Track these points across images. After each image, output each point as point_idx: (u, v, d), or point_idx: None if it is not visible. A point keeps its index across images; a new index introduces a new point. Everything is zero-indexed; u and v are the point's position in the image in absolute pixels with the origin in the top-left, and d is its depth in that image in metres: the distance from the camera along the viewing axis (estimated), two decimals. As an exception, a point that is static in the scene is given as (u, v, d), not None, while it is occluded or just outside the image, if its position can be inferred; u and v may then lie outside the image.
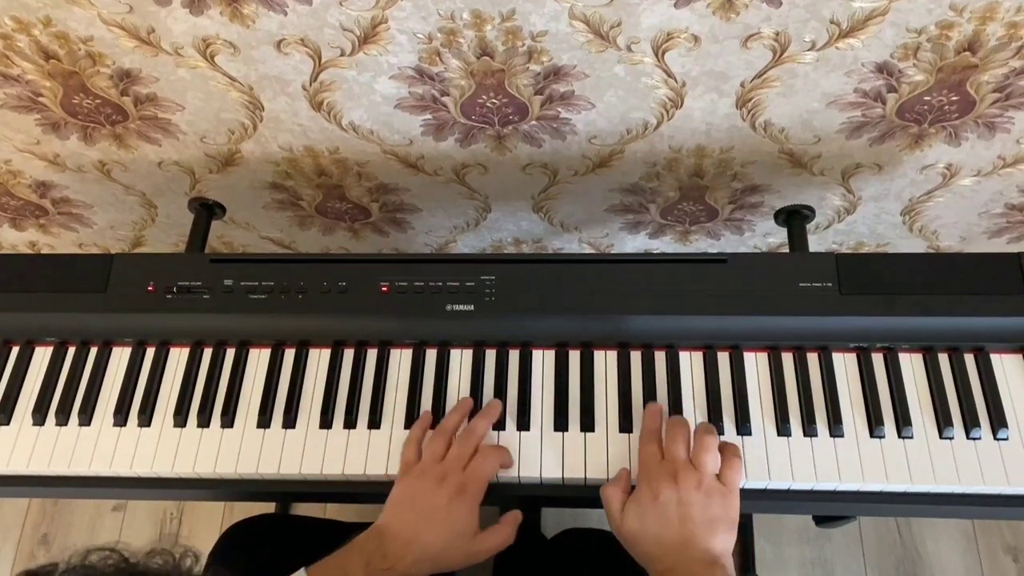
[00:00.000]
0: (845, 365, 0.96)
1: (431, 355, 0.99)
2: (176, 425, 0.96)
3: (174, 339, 1.02)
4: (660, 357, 0.97)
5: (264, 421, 0.96)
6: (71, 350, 1.02)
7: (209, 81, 1.00)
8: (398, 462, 0.92)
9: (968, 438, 0.91)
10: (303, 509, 1.62)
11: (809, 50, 0.90)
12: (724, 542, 0.81)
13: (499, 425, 0.94)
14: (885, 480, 0.88)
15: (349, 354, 1.00)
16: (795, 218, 1.18)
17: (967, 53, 0.89)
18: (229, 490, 0.98)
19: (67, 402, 0.98)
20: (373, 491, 0.94)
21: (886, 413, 0.92)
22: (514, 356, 0.98)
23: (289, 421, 0.95)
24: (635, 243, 1.46)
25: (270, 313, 0.99)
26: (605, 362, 0.98)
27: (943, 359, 0.96)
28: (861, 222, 1.33)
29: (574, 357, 0.98)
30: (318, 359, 1.00)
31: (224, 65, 0.97)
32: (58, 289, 1.01)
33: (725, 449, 0.86)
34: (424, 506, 0.85)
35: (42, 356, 1.02)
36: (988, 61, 0.90)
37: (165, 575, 0.60)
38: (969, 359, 0.95)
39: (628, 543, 0.83)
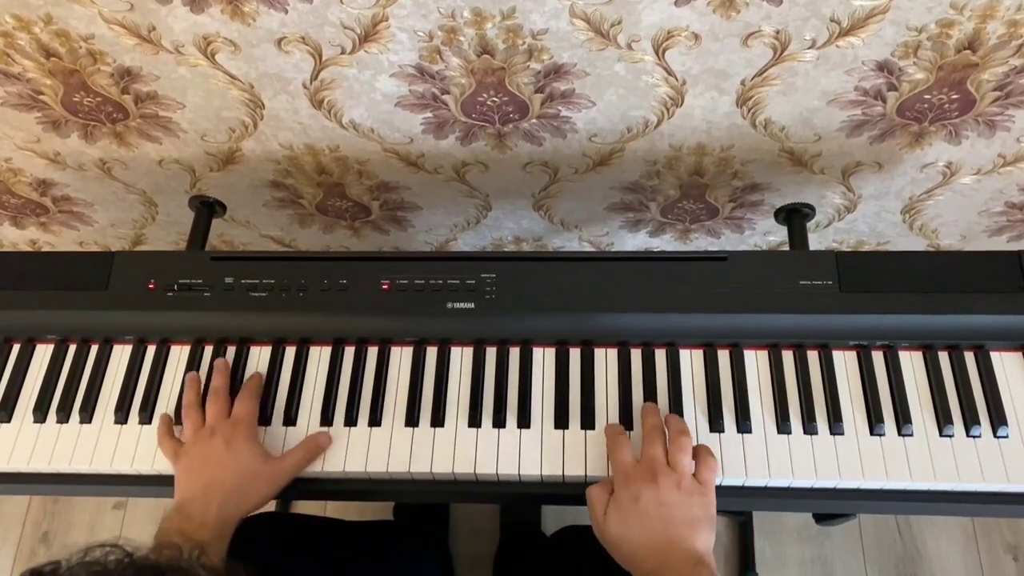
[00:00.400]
0: (845, 363, 0.96)
1: (432, 353, 0.99)
2: (178, 423, 0.96)
3: (175, 337, 1.02)
4: (660, 355, 0.97)
5: (265, 419, 0.96)
6: (72, 348, 1.02)
7: (210, 79, 1.00)
8: (401, 460, 0.92)
9: (968, 436, 0.91)
10: (304, 507, 1.62)
11: (809, 48, 0.90)
12: (706, 541, 0.82)
13: (500, 423, 0.94)
14: (885, 478, 0.89)
15: (350, 352, 1.00)
16: (795, 216, 1.18)
17: (967, 51, 0.89)
18: (230, 488, 0.98)
19: (68, 400, 0.98)
20: (374, 489, 0.95)
21: (886, 411, 0.92)
22: (515, 354, 0.98)
23: (289, 419, 0.96)
24: (635, 241, 1.46)
25: (271, 311, 0.99)
26: (606, 360, 0.98)
27: (943, 357, 0.96)
28: (861, 220, 1.33)
29: (575, 355, 0.98)
30: (319, 357, 1.00)
31: (225, 63, 0.97)
32: (59, 287, 1.02)
33: (698, 449, 0.87)
34: (206, 460, 0.89)
35: (43, 354, 1.02)
36: (988, 59, 0.90)
37: (176, 568, 0.60)
38: (969, 357, 0.96)
39: (611, 546, 0.84)
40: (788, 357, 0.96)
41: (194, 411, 0.94)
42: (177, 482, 0.90)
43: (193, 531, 0.83)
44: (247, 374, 0.99)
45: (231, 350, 1.01)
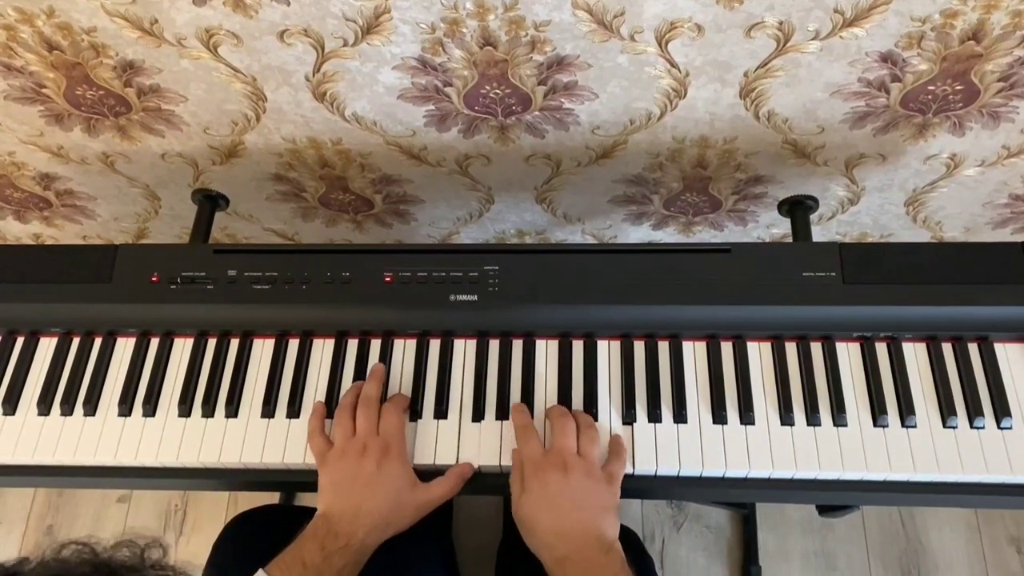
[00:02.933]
0: (849, 355, 0.96)
1: (435, 345, 0.99)
2: (181, 415, 0.97)
3: (178, 329, 1.02)
4: (664, 347, 0.97)
5: (268, 411, 0.96)
6: (75, 341, 1.02)
7: (212, 72, 1.00)
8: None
9: (972, 427, 0.91)
10: (308, 499, 1.63)
11: (813, 39, 0.90)
12: (614, 527, 0.84)
13: (503, 415, 0.94)
14: (889, 469, 0.89)
15: (353, 344, 1.00)
16: (799, 209, 1.18)
17: (972, 42, 0.89)
18: (233, 480, 0.98)
19: (72, 392, 0.98)
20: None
21: (890, 402, 0.92)
22: (518, 346, 0.99)
23: (294, 411, 0.96)
24: (638, 234, 1.46)
25: (274, 304, 0.99)
26: (608, 352, 0.98)
27: (947, 348, 0.96)
28: (865, 213, 1.33)
29: (578, 347, 0.98)
30: (322, 349, 1.00)
31: (227, 56, 0.97)
32: (62, 280, 1.02)
33: (612, 443, 0.90)
34: (357, 479, 0.87)
35: (47, 347, 1.02)
36: (993, 50, 0.90)
37: (130, 568, 0.60)
38: (973, 348, 0.95)
39: (524, 532, 0.85)
40: (792, 349, 0.96)
41: (348, 417, 0.92)
42: (322, 488, 0.89)
43: (336, 550, 0.83)
44: (250, 366, 0.99)
45: (234, 343, 1.01)
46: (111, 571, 0.58)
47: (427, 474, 0.92)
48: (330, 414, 0.95)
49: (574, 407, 0.94)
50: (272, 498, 1.63)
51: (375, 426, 0.90)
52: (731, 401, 0.94)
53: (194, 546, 1.72)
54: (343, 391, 0.96)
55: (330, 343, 1.00)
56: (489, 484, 0.92)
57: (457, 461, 0.91)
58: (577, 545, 0.81)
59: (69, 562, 0.58)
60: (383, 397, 0.95)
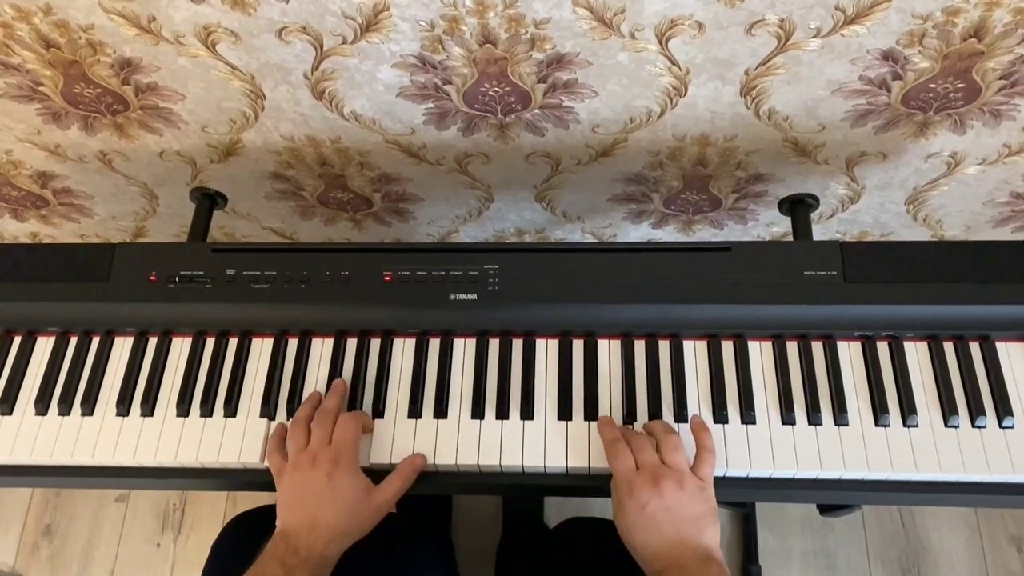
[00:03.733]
0: (850, 354, 0.95)
1: (434, 344, 0.99)
2: (179, 415, 0.96)
3: (176, 329, 1.01)
4: (664, 346, 0.97)
5: (267, 411, 0.96)
6: (73, 340, 1.02)
7: (210, 70, 1.00)
8: (404, 451, 0.92)
9: (973, 426, 0.91)
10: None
11: (814, 37, 0.89)
12: (713, 536, 0.83)
13: (503, 414, 0.93)
14: (890, 469, 0.88)
15: (352, 344, 1.00)
16: (799, 207, 1.18)
17: (973, 40, 0.88)
18: (232, 480, 0.98)
19: (69, 392, 0.98)
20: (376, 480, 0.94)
21: (891, 402, 0.92)
22: (517, 345, 0.98)
23: (292, 411, 0.95)
24: (638, 233, 1.46)
25: (273, 303, 0.99)
26: (609, 351, 0.97)
27: (948, 347, 0.95)
28: (865, 211, 1.33)
29: (578, 346, 0.98)
30: (321, 349, 1.00)
31: (225, 54, 0.97)
32: (60, 279, 1.01)
33: (698, 439, 0.89)
34: (309, 493, 0.86)
35: (44, 346, 1.02)
36: (994, 48, 0.89)
37: None
38: (974, 347, 0.95)
39: (625, 544, 0.85)
40: (792, 348, 0.96)
41: (300, 430, 0.91)
42: (279, 503, 0.88)
43: (297, 563, 0.83)
44: (249, 366, 0.99)
45: (233, 342, 1.00)
46: None
47: (425, 473, 0.92)
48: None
49: (574, 407, 0.94)
50: (271, 499, 1.62)
51: (328, 437, 0.90)
52: (732, 400, 0.93)
53: (192, 546, 1.72)
54: (342, 391, 0.96)
55: (329, 342, 1.00)
56: (489, 484, 0.92)
57: (456, 461, 0.91)
58: (674, 556, 0.81)
59: None
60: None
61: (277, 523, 0.88)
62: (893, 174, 1.20)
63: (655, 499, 0.82)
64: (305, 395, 0.96)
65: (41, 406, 0.97)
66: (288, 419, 0.95)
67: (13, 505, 1.79)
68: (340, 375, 0.97)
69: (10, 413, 0.98)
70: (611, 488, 0.88)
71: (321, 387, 0.97)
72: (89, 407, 0.97)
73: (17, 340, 1.02)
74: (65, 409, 0.97)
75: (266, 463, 0.92)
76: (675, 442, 0.86)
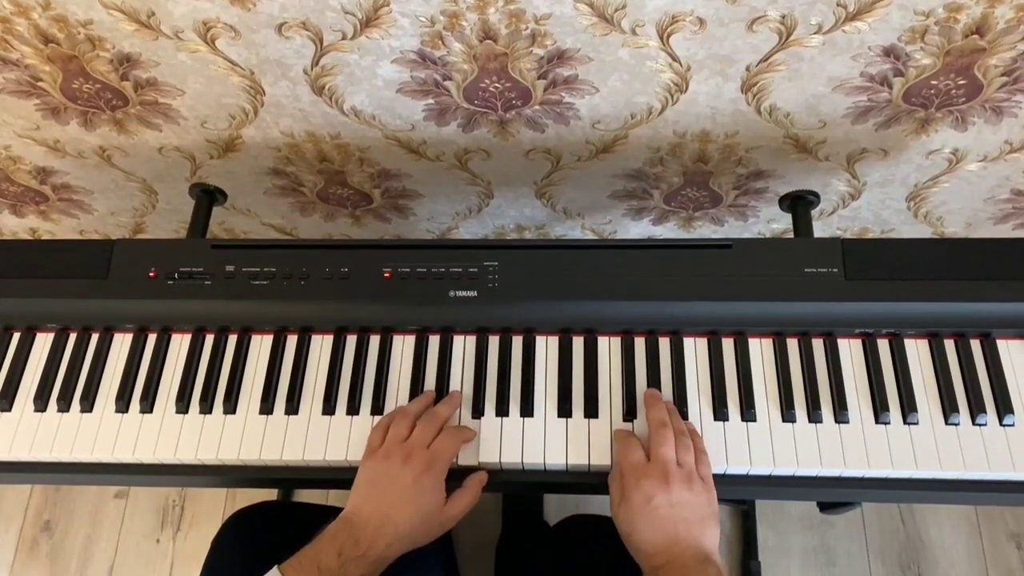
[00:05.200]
0: (850, 351, 0.95)
1: (434, 341, 0.99)
2: (178, 411, 0.96)
3: (176, 325, 1.01)
4: (664, 343, 0.97)
5: (267, 407, 0.95)
6: (72, 336, 1.02)
7: (210, 65, 1.00)
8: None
9: (974, 424, 0.90)
10: (306, 496, 1.62)
11: (815, 33, 0.89)
12: (712, 538, 0.83)
13: (503, 411, 0.93)
14: (890, 466, 0.88)
15: (352, 340, 0.99)
16: (800, 204, 1.17)
17: (975, 36, 0.88)
18: (231, 476, 0.98)
19: (69, 388, 0.98)
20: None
21: (891, 399, 0.92)
22: (517, 342, 0.98)
23: (292, 407, 0.95)
24: (638, 229, 1.45)
25: (272, 299, 0.98)
26: (609, 348, 0.97)
27: (949, 345, 0.95)
28: (866, 208, 1.33)
29: (578, 343, 0.98)
30: (320, 345, 0.99)
31: (225, 49, 0.96)
32: (59, 275, 1.01)
33: (695, 443, 0.88)
34: (391, 487, 0.85)
35: (43, 342, 1.02)
36: (996, 44, 0.89)
37: None
38: (975, 345, 0.95)
39: (623, 537, 0.85)
40: (793, 345, 0.96)
41: (406, 422, 0.90)
42: (356, 484, 0.87)
43: (354, 558, 0.81)
44: (248, 362, 0.98)
45: (232, 339, 1.00)
46: None
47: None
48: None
49: (574, 404, 0.93)
50: (270, 495, 1.62)
51: (429, 440, 0.89)
52: (732, 398, 0.93)
53: (192, 542, 1.72)
54: (342, 387, 0.96)
55: (329, 339, 1.00)
56: (489, 481, 0.92)
57: (456, 459, 0.91)
58: (674, 554, 0.81)
59: None
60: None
61: (348, 503, 0.86)
62: (894, 171, 1.19)
63: (662, 494, 0.82)
64: (304, 391, 0.96)
65: (40, 402, 0.97)
66: (286, 415, 0.95)
67: (12, 501, 1.79)
68: (340, 372, 0.97)
69: (9, 409, 0.97)
70: (609, 480, 0.88)
71: (320, 385, 0.96)
72: (88, 403, 0.97)
73: (16, 336, 1.02)
74: (64, 406, 0.97)
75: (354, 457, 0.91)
76: (688, 443, 0.87)
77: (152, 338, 1.01)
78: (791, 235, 1.23)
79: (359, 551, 0.81)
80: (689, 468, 0.84)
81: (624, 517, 0.84)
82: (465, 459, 0.91)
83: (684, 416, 0.92)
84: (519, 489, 1.53)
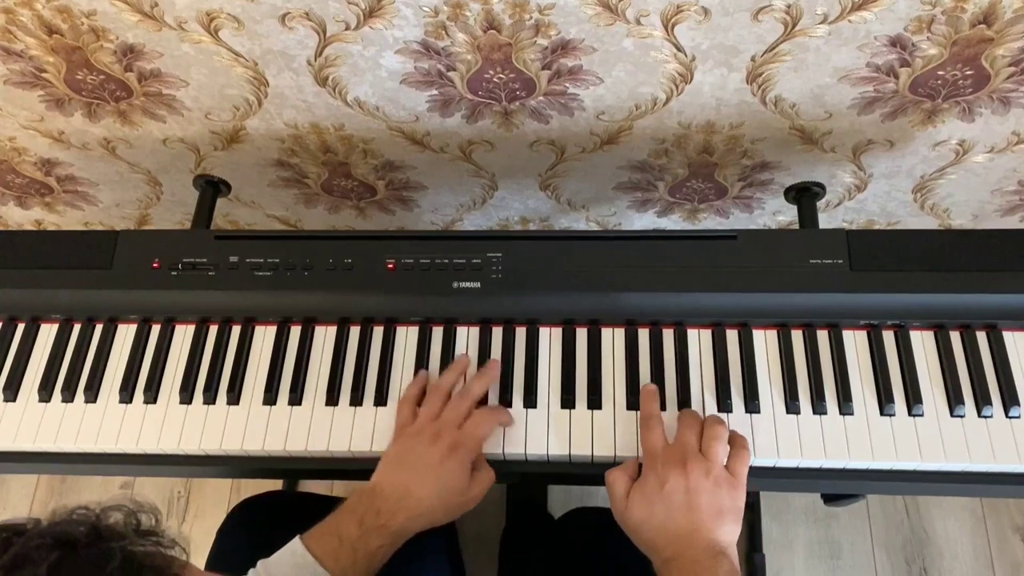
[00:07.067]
0: (855, 342, 0.95)
1: (437, 332, 0.99)
2: (182, 402, 0.96)
3: (180, 316, 1.01)
4: (668, 335, 0.97)
5: (270, 398, 0.95)
6: (76, 327, 1.02)
7: (213, 56, 0.99)
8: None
9: (979, 416, 0.90)
10: (310, 486, 1.63)
11: (821, 23, 0.89)
12: (730, 533, 0.80)
13: (506, 402, 0.93)
14: (895, 458, 0.88)
15: (355, 331, 0.99)
16: (805, 195, 1.17)
17: (982, 26, 0.87)
18: (236, 467, 0.98)
19: (73, 379, 0.98)
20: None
21: (896, 391, 0.92)
22: (521, 334, 0.98)
23: (295, 398, 0.95)
24: (643, 221, 1.45)
25: (276, 290, 0.98)
26: (612, 340, 0.97)
27: (955, 336, 0.95)
28: (872, 200, 1.32)
29: (581, 335, 0.97)
30: (324, 336, 0.99)
31: (228, 40, 0.96)
32: (63, 266, 1.01)
33: (734, 440, 0.86)
34: (417, 463, 0.86)
35: (47, 333, 1.02)
36: (1004, 34, 0.89)
37: (119, 533, 0.59)
38: (981, 336, 0.95)
39: (631, 531, 0.83)
40: (798, 336, 0.95)
41: (439, 399, 0.91)
42: (384, 459, 0.88)
43: (375, 527, 0.82)
44: (252, 353, 0.98)
45: (236, 329, 1.00)
46: (99, 534, 0.57)
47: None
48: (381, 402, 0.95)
49: (577, 395, 0.93)
50: (275, 485, 1.63)
51: (461, 420, 0.89)
52: (736, 389, 0.93)
53: (197, 532, 1.72)
54: (345, 379, 0.96)
55: (332, 330, 1.00)
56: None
57: None
58: (684, 546, 0.78)
59: (71, 524, 0.57)
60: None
61: (374, 476, 0.87)
62: (900, 162, 1.19)
63: (678, 478, 0.80)
64: (308, 382, 0.96)
65: (45, 393, 0.97)
66: (290, 406, 0.95)
67: (18, 491, 1.80)
68: (343, 363, 0.97)
69: (14, 400, 0.98)
70: (607, 475, 0.86)
71: (324, 375, 0.96)
72: (92, 394, 0.97)
73: (21, 327, 1.02)
74: (68, 396, 0.97)
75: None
76: (720, 432, 0.84)
77: (156, 329, 1.01)
78: (797, 227, 1.22)
79: (380, 521, 0.82)
80: (713, 458, 0.82)
81: (636, 502, 0.81)
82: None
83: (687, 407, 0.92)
84: (522, 480, 1.53)
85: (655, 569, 0.80)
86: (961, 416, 0.90)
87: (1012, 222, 1.36)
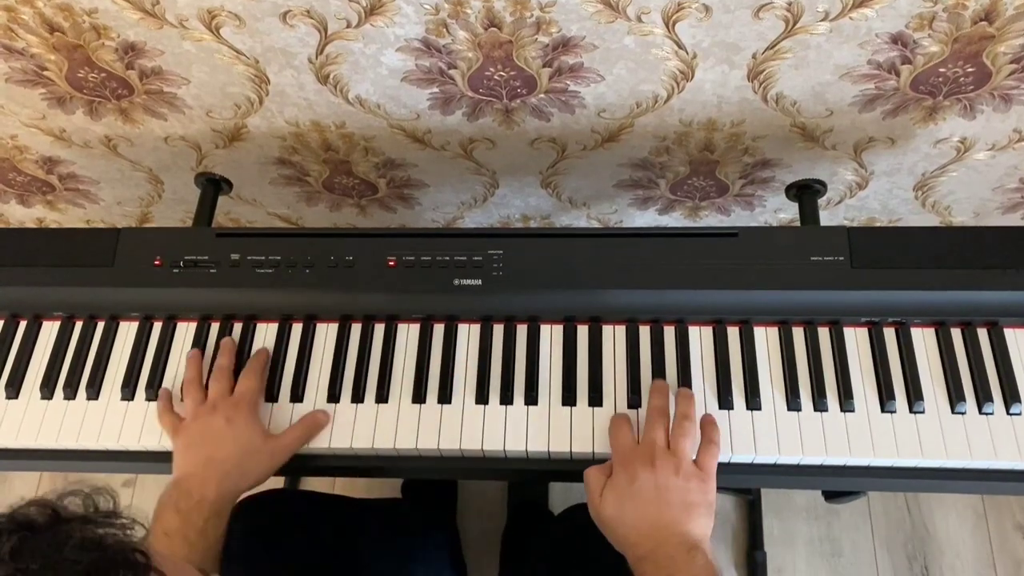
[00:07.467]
0: (856, 340, 0.95)
1: (438, 330, 0.99)
2: (182, 400, 0.96)
3: (181, 313, 1.01)
4: (669, 332, 0.97)
5: (271, 395, 0.96)
6: (78, 324, 1.02)
7: (214, 54, 0.99)
8: (408, 436, 0.92)
9: (980, 413, 0.90)
10: (313, 484, 1.63)
11: (822, 20, 0.89)
12: (703, 527, 0.80)
13: (507, 400, 0.93)
14: (896, 455, 0.88)
15: (356, 329, 0.99)
16: (806, 193, 1.17)
17: (984, 23, 0.87)
18: (237, 465, 0.98)
19: (75, 376, 0.98)
20: (382, 465, 0.95)
21: (898, 388, 0.92)
22: (522, 331, 0.98)
23: (296, 395, 0.95)
24: (644, 219, 1.45)
25: (277, 288, 0.99)
26: (614, 337, 0.97)
27: (955, 334, 0.95)
28: (873, 197, 1.32)
29: (582, 332, 0.97)
30: (325, 334, 0.99)
31: (229, 38, 0.96)
32: (65, 263, 1.01)
33: (704, 432, 0.86)
34: (206, 435, 0.89)
35: (50, 331, 1.02)
36: (1005, 31, 0.88)
37: (82, 519, 0.59)
38: (982, 333, 0.95)
39: (605, 528, 0.83)
40: (799, 334, 0.96)
41: (195, 387, 0.94)
42: (176, 458, 0.90)
43: (192, 508, 0.84)
44: (254, 351, 0.98)
45: (237, 327, 1.00)
46: (58, 517, 0.58)
47: (430, 459, 0.92)
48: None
49: (578, 393, 0.93)
50: (277, 482, 1.63)
51: (228, 390, 0.93)
52: (737, 386, 0.93)
53: (199, 530, 1.73)
54: (346, 376, 0.96)
55: (333, 327, 1.00)
56: (493, 470, 0.92)
57: (461, 446, 0.91)
58: (658, 542, 0.78)
59: (29, 509, 0.58)
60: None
61: (173, 475, 0.89)
62: (901, 160, 1.19)
63: (646, 474, 0.81)
64: (309, 380, 0.96)
65: (47, 390, 0.98)
66: (291, 403, 0.95)
67: (21, 489, 1.80)
68: (344, 361, 0.97)
69: (16, 397, 0.98)
70: (585, 473, 0.86)
71: (325, 373, 0.96)
72: (94, 391, 0.97)
73: (23, 324, 1.03)
74: (70, 393, 0.97)
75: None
76: (687, 429, 0.85)
77: (158, 326, 1.01)
78: (798, 224, 1.22)
79: (194, 499, 0.85)
80: (681, 454, 0.83)
81: (609, 500, 0.82)
82: (447, 444, 0.91)
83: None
84: (523, 477, 1.53)
85: (630, 566, 0.80)
86: (962, 413, 0.90)
87: (1013, 219, 1.36)
